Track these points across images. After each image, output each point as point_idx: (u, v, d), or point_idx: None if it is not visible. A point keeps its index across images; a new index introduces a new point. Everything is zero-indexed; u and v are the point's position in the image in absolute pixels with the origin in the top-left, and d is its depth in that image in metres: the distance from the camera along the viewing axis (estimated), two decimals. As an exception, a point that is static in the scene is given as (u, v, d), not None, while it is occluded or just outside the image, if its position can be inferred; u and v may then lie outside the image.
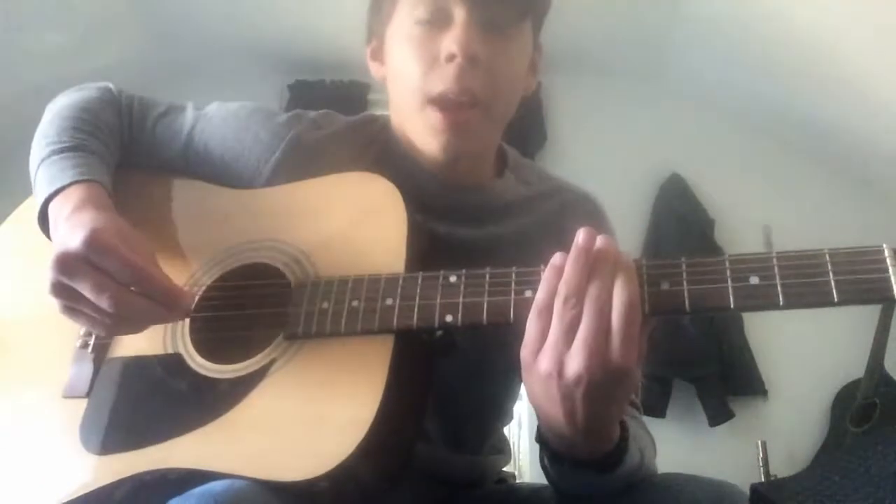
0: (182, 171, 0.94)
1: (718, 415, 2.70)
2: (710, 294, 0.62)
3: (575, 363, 0.60)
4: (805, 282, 0.59)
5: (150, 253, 0.75)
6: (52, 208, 0.81)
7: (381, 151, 0.91)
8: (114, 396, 0.78)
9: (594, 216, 0.95)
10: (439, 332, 0.71)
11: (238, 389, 0.71)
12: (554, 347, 0.61)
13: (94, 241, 0.70)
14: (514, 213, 0.92)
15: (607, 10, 2.68)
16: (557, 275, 0.63)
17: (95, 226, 0.71)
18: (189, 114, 0.96)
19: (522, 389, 1.04)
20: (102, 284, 0.69)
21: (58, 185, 0.82)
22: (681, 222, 2.97)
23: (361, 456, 0.63)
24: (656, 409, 2.64)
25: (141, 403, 0.77)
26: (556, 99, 3.13)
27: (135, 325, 0.75)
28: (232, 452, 0.67)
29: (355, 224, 0.79)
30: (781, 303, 0.60)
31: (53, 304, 0.73)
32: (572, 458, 0.68)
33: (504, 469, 1.01)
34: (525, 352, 0.64)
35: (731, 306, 0.61)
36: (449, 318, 0.68)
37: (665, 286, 0.63)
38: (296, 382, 0.70)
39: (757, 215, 2.98)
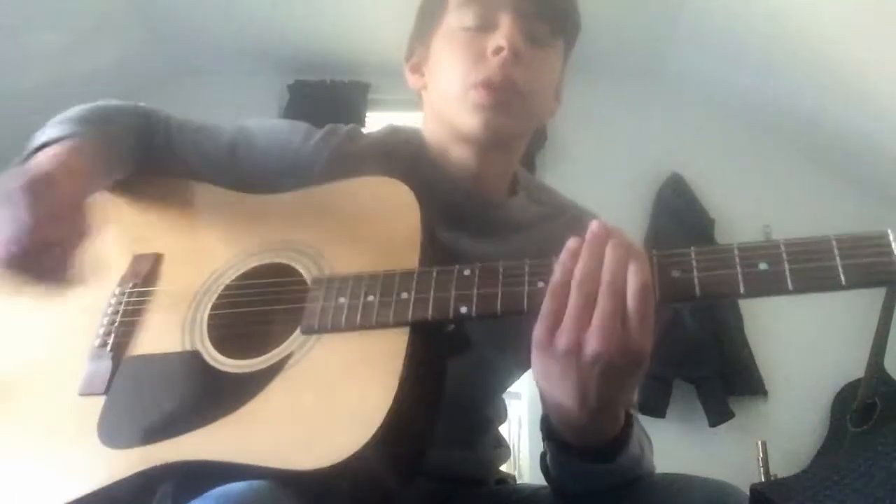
0: (217, 180, 0.94)
1: (718, 415, 2.70)
2: (720, 280, 0.63)
3: (594, 341, 0.61)
4: (813, 266, 0.61)
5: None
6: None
7: (410, 163, 0.94)
8: (132, 393, 0.78)
9: None
10: (451, 327, 0.72)
11: (255, 383, 0.72)
12: (572, 326, 0.63)
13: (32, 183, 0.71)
14: (531, 230, 0.96)
15: (607, 10, 2.68)
16: (573, 258, 0.65)
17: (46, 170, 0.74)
18: (227, 127, 0.97)
19: (518, 387, 1.06)
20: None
21: (44, 139, 0.83)
22: (681, 222, 2.97)
23: (377, 447, 0.63)
24: (656, 409, 2.64)
25: (159, 399, 0.77)
26: (555, 99, 3.13)
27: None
28: (248, 443, 0.68)
29: (370, 225, 0.81)
30: (791, 287, 0.61)
31: (69, 305, 0.72)
32: (579, 446, 0.69)
33: (504, 470, 1.02)
34: (540, 330, 0.65)
35: (742, 292, 0.62)
36: (463, 310, 0.69)
37: (676, 274, 0.64)
38: (313, 375, 0.71)
39: (757, 215, 2.98)
